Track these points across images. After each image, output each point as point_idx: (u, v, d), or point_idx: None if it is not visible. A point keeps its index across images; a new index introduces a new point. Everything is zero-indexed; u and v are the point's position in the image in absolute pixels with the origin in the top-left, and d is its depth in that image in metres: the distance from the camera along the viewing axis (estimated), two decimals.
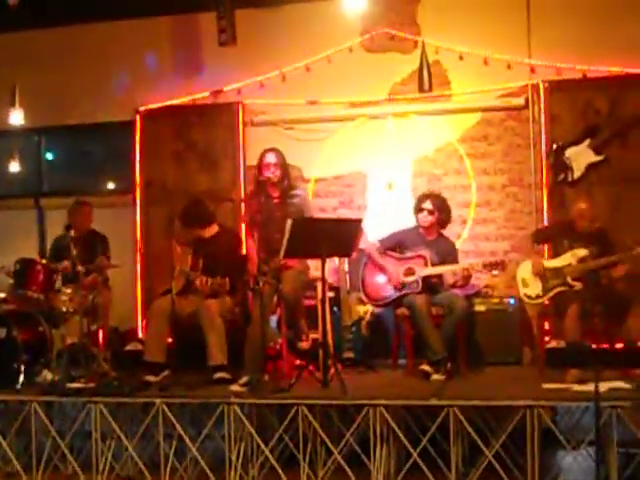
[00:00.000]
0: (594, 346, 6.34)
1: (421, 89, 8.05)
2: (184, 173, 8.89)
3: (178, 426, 5.80)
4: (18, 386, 6.42)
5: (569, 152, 8.00)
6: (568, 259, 6.45)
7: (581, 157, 7.95)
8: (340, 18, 8.19)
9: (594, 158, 7.92)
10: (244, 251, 7.05)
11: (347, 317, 7.53)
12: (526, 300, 6.66)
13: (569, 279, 6.36)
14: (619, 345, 6.42)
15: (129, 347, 8.10)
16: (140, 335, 8.58)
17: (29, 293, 6.87)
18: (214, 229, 6.93)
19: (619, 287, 6.36)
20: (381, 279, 6.98)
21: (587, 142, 7.93)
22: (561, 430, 5.59)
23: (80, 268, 6.72)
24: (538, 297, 6.52)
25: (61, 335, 6.91)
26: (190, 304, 6.60)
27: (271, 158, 6.52)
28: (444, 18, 8.32)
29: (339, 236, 6.06)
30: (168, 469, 5.81)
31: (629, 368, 6.03)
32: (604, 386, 5.09)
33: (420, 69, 8.03)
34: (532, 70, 8.11)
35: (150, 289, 8.64)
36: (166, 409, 5.81)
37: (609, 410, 5.07)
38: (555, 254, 6.70)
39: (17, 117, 8.70)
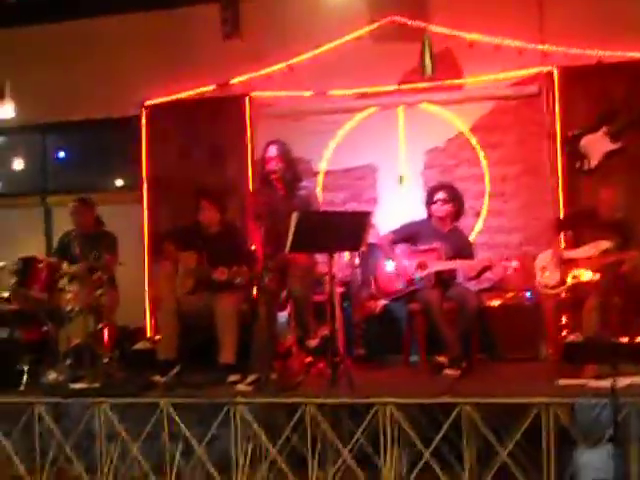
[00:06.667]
0: (613, 340, 6.17)
1: (424, 75, 7.87)
2: (191, 168, 8.69)
3: (183, 427, 5.65)
4: (21, 387, 6.32)
5: (585, 140, 7.82)
6: (590, 250, 6.27)
7: (597, 145, 7.77)
8: (347, 7, 8.03)
9: (611, 146, 7.73)
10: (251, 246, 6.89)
11: (358, 312, 7.39)
12: (543, 290, 6.49)
13: (589, 270, 6.19)
14: (639, 339, 6.24)
15: (138, 346, 7.95)
16: (149, 334, 8.45)
17: (32, 292, 6.75)
18: (217, 224, 6.74)
19: (638, 279, 6.16)
20: (393, 273, 6.81)
21: (603, 130, 7.74)
22: (579, 426, 5.40)
23: (79, 267, 6.58)
24: (555, 287, 6.35)
25: (66, 335, 6.79)
26: (199, 300, 6.44)
27: (273, 151, 6.37)
28: (453, 4, 8.13)
29: (347, 229, 5.92)
30: (174, 471, 5.67)
31: None
32: (623, 381, 4.92)
33: (422, 54, 7.83)
34: (545, 55, 7.92)
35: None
36: (171, 409, 5.67)
37: (628, 406, 4.90)
38: (575, 243, 6.53)
39: (7, 111, 8.57)
